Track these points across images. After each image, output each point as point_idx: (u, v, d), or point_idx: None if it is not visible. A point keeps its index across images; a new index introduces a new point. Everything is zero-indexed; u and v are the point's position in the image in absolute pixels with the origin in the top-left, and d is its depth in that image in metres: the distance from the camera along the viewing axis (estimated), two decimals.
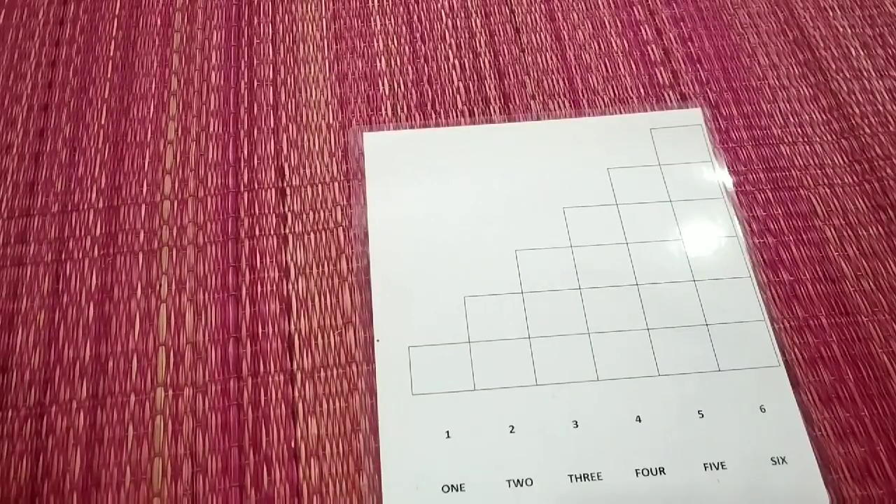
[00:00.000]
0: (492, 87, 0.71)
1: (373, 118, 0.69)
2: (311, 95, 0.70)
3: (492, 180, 0.66)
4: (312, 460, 0.55)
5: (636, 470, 0.54)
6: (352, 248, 0.63)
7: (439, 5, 0.76)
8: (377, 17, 0.76)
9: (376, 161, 0.67)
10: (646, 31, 0.75)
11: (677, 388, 0.57)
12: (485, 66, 0.73)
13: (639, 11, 0.77)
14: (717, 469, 0.54)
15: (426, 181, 0.66)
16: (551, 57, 0.73)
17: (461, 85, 0.71)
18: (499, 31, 0.75)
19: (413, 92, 0.71)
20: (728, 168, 0.67)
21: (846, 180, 0.66)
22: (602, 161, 0.67)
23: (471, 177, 0.66)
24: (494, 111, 0.70)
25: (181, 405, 0.57)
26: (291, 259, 0.62)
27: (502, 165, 0.67)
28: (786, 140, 0.69)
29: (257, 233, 0.63)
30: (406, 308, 0.60)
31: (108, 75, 0.71)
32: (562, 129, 0.69)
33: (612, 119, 0.69)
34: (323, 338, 0.59)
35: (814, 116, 0.70)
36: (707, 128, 0.69)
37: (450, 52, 0.73)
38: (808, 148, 0.68)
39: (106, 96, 0.70)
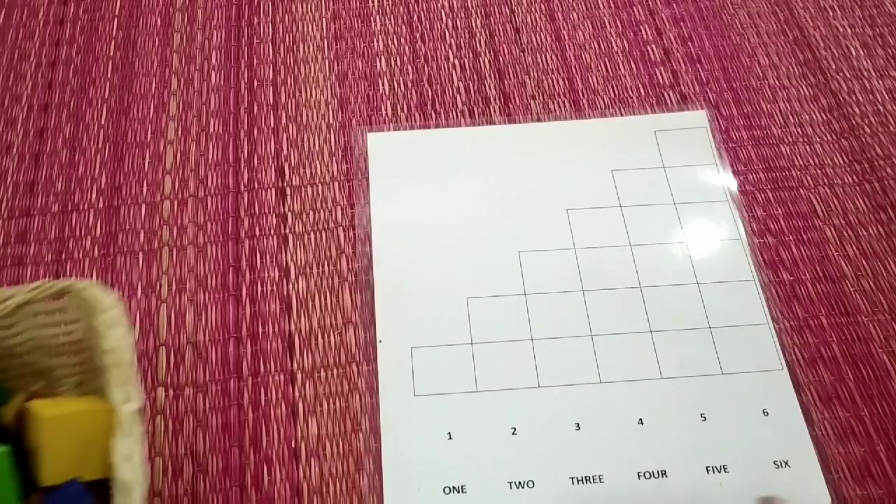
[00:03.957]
0: (492, 86, 0.71)
1: (373, 118, 0.69)
2: (311, 95, 0.70)
3: (496, 182, 0.66)
4: (312, 460, 0.55)
5: (638, 472, 0.54)
6: (352, 248, 0.63)
7: (439, 5, 0.76)
8: (377, 17, 0.75)
9: (380, 161, 0.67)
10: (646, 31, 0.75)
11: (680, 391, 0.57)
12: (485, 66, 0.73)
13: (639, 11, 0.77)
14: (720, 472, 0.54)
15: (430, 182, 0.66)
16: (551, 57, 0.73)
17: (461, 85, 0.71)
18: (499, 31, 0.75)
19: (413, 92, 0.71)
20: (729, 169, 0.67)
21: (846, 180, 0.67)
22: (606, 163, 0.67)
23: (475, 178, 0.66)
24: (494, 111, 0.70)
25: (181, 405, 0.57)
26: (291, 259, 0.62)
27: (507, 167, 0.67)
28: (786, 140, 0.69)
29: (257, 233, 0.63)
30: (408, 309, 0.60)
31: (108, 75, 0.71)
32: (566, 131, 0.69)
33: (617, 121, 0.69)
34: (323, 337, 0.59)
35: (814, 116, 0.70)
36: (711, 130, 0.69)
37: (450, 52, 0.73)
38: (808, 148, 0.68)
39: (106, 96, 0.70)
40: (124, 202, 0.65)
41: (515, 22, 0.75)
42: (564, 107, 0.70)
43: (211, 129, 0.68)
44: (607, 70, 0.73)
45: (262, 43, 0.74)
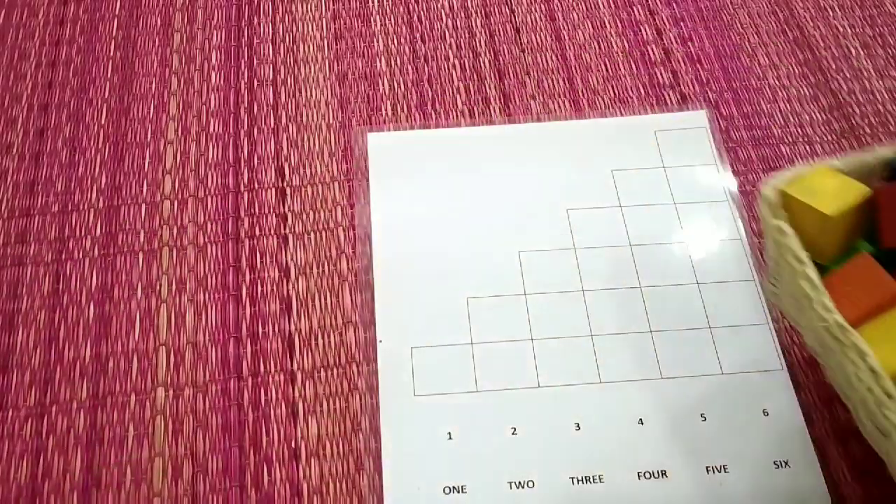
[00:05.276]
0: (492, 87, 0.71)
1: (373, 118, 0.69)
2: (311, 95, 0.70)
3: (496, 182, 0.66)
4: (312, 460, 0.55)
5: (638, 473, 0.54)
6: (352, 248, 0.63)
7: (439, 5, 0.76)
8: (377, 17, 0.76)
9: (380, 161, 0.67)
10: (646, 31, 0.75)
11: (680, 391, 0.57)
12: (485, 66, 0.73)
13: (639, 11, 0.77)
14: (720, 472, 0.54)
15: (430, 182, 0.66)
16: (551, 57, 0.73)
17: (461, 85, 0.71)
18: (499, 31, 0.75)
19: (413, 92, 0.71)
20: (729, 169, 0.67)
21: None
22: (606, 163, 0.67)
23: (475, 178, 0.66)
24: (494, 111, 0.70)
25: (181, 405, 0.57)
26: (291, 259, 0.62)
27: (507, 167, 0.67)
28: (786, 140, 0.69)
29: (257, 233, 0.63)
30: (409, 309, 0.60)
31: (108, 75, 0.71)
32: (566, 131, 0.69)
33: (617, 121, 0.69)
34: (323, 338, 0.59)
35: (814, 116, 0.70)
36: (712, 130, 0.69)
37: (450, 52, 0.73)
38: (808, 148, 0.68)
39: (106, 96, 0.70)
40: (124, 202, 0.65)
41: (515, 22, 0.76)
42: (564, 107, 0.70)
43: (211, 129, 0.68)
44: (607, 70, 0.73)
45: (262, 43, 0.74)
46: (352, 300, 0.61)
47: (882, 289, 0.46)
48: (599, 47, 0.74)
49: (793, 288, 0.48)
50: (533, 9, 0.76)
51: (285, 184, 0.66)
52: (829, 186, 0.49)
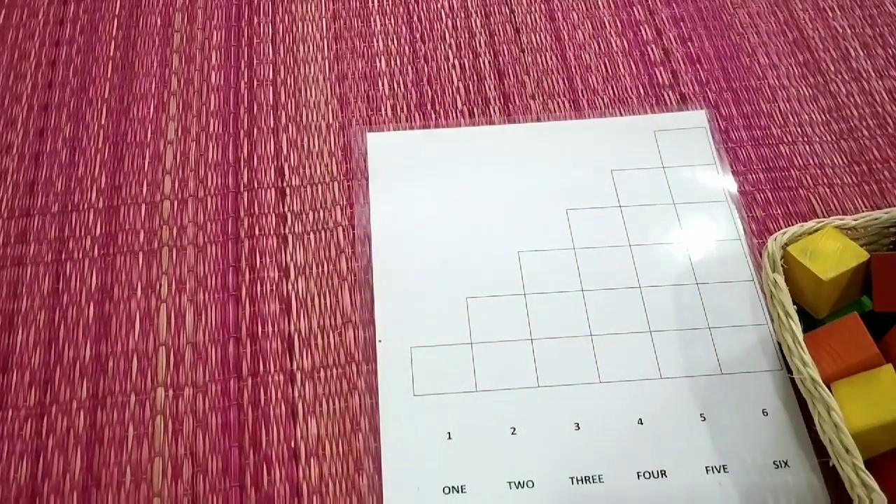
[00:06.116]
0: (491, 87, 0.71)
1: (373, 118, 0.69)
2: (311, 95, 0.70)
3: (496, 182, 0.66)
4: (312, 460, 0.55)
5: (637, 473, 0.54)
6: (352, 248, 0.63)
7: (439, 5, 0.76)
8: (377, 17, 0.76)
9: (379, 161, 0.67)
10: (646, 31, 0.75)
11: (680, 391, 0.57)
12: (485, 66, 0.73)
13: (639, 11, 0.77)
14: (719, 472, 0.54)
15: (430, 182, 0.66)
16: (551, 57, 0.73)
17: (461, 85, 0.71)
18: (499, 31, 0.75)
19: (413, 92, 0.71)
20: (729, 169, 0.67)
21: (846, 181, 0.66)
22: (606, 163, 0.67)
23: (475, 178, 0.66)
24: (494, 111, 0.70)
25: (181, 405, 0.57)
26: (291, 259, 0.62)
27: (507, 167, 0.67)
28: (785, 140, 0.69)
29: (257, 233, 0.63)
30: (408, 309, 0.60)
31: (108, 75, 0.71)
32: (566, 131, 0.69)
33: (616, 121, 0.69)
34: (323, 337, 0.59)
35: (813, 117, 0.70)
36: (711, 130, 0.69)
37: (450, 52, 0.73)
38: (807, 148, 0.68)
39: (106, 96, 0.70)
40: (124, 202, 0.65)
41: (515, 22, 0.76)
42: (564, 107, 0.70)
43: (211, 129, 0.68)
44: (607, 70, 0.73)
45: (262, 43, 0.74)
46: (351, 300, 0.61)
47: (862, 349, 0.49)
48: (599, 47, 0.74)
49: (780, 337, 0.51)
50: (533, 9, 0.76)
51: (285, 184, 0.66)
52: (830, 249, 0.53)
